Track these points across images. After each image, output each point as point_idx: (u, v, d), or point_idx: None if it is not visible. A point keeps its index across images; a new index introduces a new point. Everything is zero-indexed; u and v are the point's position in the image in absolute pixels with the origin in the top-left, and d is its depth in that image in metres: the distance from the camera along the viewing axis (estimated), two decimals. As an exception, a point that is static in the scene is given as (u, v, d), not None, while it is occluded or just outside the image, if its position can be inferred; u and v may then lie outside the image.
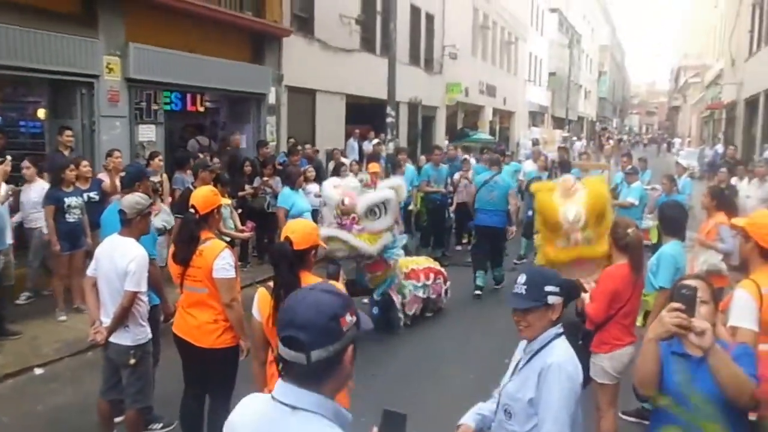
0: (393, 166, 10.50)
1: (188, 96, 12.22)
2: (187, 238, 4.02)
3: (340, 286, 3.37)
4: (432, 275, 7.63)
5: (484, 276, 8.92)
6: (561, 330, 2.59)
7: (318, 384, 1.57)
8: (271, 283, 3.29)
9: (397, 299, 7.12)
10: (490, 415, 2.73)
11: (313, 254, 3.43)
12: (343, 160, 12.18)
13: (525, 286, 2.56)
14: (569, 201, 6.28)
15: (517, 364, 2.66)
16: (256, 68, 12.93)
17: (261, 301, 3.28)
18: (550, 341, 2.54)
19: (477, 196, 8.96)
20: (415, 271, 7.42)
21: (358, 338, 1.64)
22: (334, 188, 6.90)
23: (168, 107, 10.57)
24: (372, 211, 6.63)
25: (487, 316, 7.93)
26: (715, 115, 35.17)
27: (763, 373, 2.57)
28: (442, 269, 8.03)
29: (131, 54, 9.63)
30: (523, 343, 2.71)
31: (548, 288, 2.54)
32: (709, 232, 6.46)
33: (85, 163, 7.68)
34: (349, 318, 1.59)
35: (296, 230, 3.35)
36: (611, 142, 30.96)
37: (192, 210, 4.03)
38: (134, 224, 4.22)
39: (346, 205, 6.61)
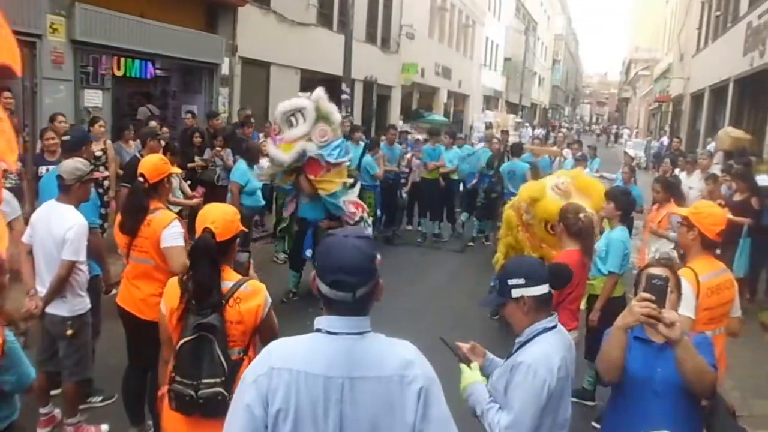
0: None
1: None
2: (135, 207, 3.87)
3: (253, 274, 3.08)
4: (363, 209, 7.46)
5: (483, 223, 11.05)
6: (552, 324, 2.48)
7: (362, 311, 1.85)
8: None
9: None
10: (495, 363, 2.72)
11: (238, 242, 2.99)
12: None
13: (497, 280, 2.50)
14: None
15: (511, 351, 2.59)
16: (210, 37, 12.57)
17: (169, 292, 2.84)
18: (534, 336, 2.45)
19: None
20: (350, 203, 7.27)
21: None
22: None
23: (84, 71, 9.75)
24: (288, 120, 6.70)
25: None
26: (662, 107, 36.14)
27: None
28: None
29: (77, 14, 9.23)
30: None
31: (511, 281, 2.45)
32: (661, 222, 6.65)
33: (51, 135, 7.03)
34: (379, 256, 1.88)
35: (217, 219, 2.81)
36: (563, 131, 31.51)
37: (141, 178, 3.88)
38: (73, 191, 4.06)
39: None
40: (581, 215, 4.36)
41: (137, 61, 11.82)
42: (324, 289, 1.82)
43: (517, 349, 2.48)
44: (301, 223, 7.32)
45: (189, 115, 10.82)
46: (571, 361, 2.51)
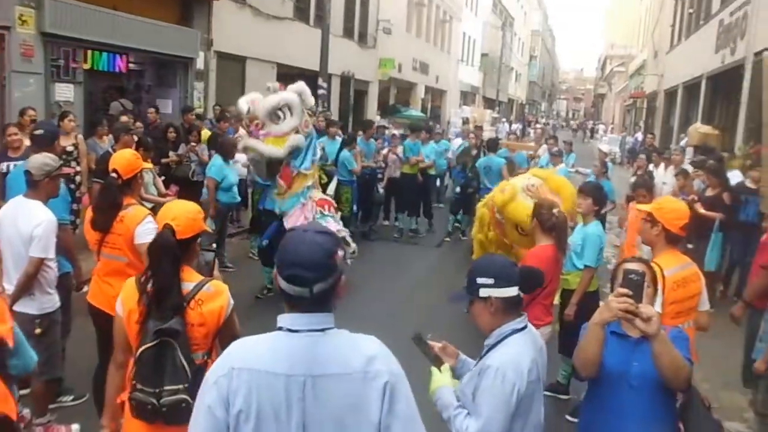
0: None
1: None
2: (108, 203, 3.79)
3: (218, 275, 3.01)
4: (331, 207, 7.28)
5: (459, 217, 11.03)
6: (522, 325, 2.42)
7: (323, 308, 1.80)
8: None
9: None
10: (468, 365, 2.67)
11: (198, 242, 2.86)
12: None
13: (467, 279, 2.43)
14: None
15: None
16: (184, 31, 12.42)
17: (126, 293, 2.69)
18: (503, 338, 2.38)
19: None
20: (320, 201, 7.12)
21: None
22: (245, 102, 6.85)
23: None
24: (275, 115, 6.60)
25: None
26: (637, 104, 36.60)
27: None
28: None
29: (47, 6, 9.05)
30: None
31: (480, 280, 2.38)
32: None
33: (14, 130, 6.71)
34: (340, 252, 1.83)
35: (178, 215, 2.70)
36: (539, 127, 31.74)
37: (114, 174, 3.81)
38: (41, 186, 3.97)
39: (250, 112, 6.71)
40: (555, 210, 4.39)
41: (110, 55, 11.64)
42: (282, 284, 1.78)
43: (487, 351, 2.42)
44: (268, 215, 7.28)
45: (152, 110, 10.63)
46: (542, 364, 2.45)
